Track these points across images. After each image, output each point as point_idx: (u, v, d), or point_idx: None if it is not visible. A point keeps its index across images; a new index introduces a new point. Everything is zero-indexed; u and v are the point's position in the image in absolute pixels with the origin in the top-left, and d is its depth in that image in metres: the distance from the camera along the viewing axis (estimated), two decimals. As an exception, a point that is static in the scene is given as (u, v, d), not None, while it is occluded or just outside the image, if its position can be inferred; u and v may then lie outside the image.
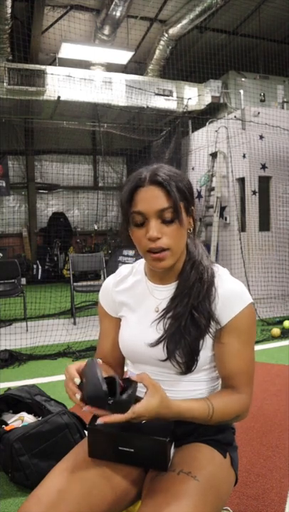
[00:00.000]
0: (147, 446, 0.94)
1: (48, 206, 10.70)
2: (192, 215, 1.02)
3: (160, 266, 0.97)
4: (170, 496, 0.88)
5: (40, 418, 1.99)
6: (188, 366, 0.98)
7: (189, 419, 0.94)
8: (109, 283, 1.15)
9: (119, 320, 1.13)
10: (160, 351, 0.99)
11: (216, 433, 1.05)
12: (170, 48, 8.10)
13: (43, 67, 7.39)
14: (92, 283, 6.07)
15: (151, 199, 0.94)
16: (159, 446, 0.92)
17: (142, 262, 1.13)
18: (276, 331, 4.22)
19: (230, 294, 1.00)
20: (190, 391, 1.04)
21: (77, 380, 0.88)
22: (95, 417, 0.96)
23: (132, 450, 0.94)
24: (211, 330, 1.00)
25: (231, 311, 0.99)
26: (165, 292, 1.05)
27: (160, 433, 0.94)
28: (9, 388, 2.25)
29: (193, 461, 0.97)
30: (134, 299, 1.10)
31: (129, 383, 0.88)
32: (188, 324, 0.98)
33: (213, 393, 1.05)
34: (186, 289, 1.00)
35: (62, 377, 3.24)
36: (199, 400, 0.97)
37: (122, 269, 1.16)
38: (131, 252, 6.39)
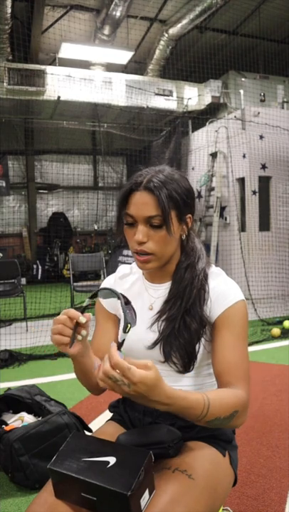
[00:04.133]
0: (109, 497, 0.83)
1: (48, 206, 10.71)
2: (186, 223, 1.03)
3: (144, 268, 1.03)
4: (163, 494, 0.87)
5: (40, 418, 1.99)
6: (185, 366, 0.99)
7: (182, 408, 0.85)
8: (110, 281, 1.17)
9: (117, 318, 1.15)
10: (158, 353, 1.01)
11: (216, 430, 1.04)
12: (170, 48, 8.10)
13: (43, 67, 7.39)
14: (92, 283, 6.07)
15: (142, 205, 0.97)
16: (119, 499, 0.81)
17: None
18: (276, 331, 4.22)
19: (221, 292, 1.01)
20: (192, 386, 1.05)
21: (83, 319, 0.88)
22: (57, 458, 0.91)
23: (95, 499, 0.85)
24: (204, 334, 1.00)
25: (222, 305, 1.00)
26: (159, 291, 1.07)
27: (123, 484, 0.82)
28: (9, 388, 2.25)
29: (189, 459, 0.96)
30: (131, 298, 1.10)
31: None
32: (181, 327, 0.99)
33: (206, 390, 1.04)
34: (179, 292, 1.02)
35: (62, 377, 3.26)
36: (193, 391, 0.94)
37: (122, 269, 1.18)
38: (131, 252, 6.39)
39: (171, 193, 0.97)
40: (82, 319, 0.88)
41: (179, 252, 1.07)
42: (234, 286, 1.03)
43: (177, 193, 0.98)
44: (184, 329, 0.98)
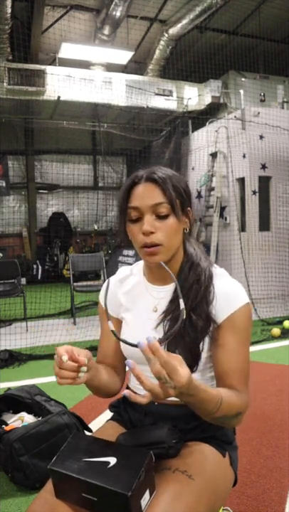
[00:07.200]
0: (109, 498, 0.83)
1: (48, 206, 10.70)
2: (188, 216, 1.04)
3: (153, 260, 0.99)
4: (163, 495, 0.87)
5: (40, 418, 1.99)
6: (189, 366, 0.98)
7: (201, 400, 0.85)
8: (110, 284, 1.16)
9: (119, 321, 1.14)
10: None
11: (216, 430, 1.05)
12: (170, 48, 8.09)
13: (43, 67, 7.39)
14: (92, 283, 6.07)
15: (147, 194, 0.97)
16: (120, 499, 0.81)
17: (140, 263, 1.14)
18: (276, 331, 4.22)
19: (228, 293, 1.01)
20: None
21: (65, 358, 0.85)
22: (57, 458, 0.91)
23: (95, 499, 0.86)
24: (209, 332, 1.00)
25: (228, 309, 0.99)
26: (163, 292, 1.06)
27: (124, 484, 0.82)
28: (9, 388, 2.25)
29: (190, 460, 0.96)
30: (133, 300, 1.10)
31: None
32: (186, 326, 0.98)
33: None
34: (184, 291, 1.01)
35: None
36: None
37: (122, 271, 1.17)
38: (131, 252, 6.39)
39: (174, 183, 0.98)
40: (84, 369, 0.86)
41: (182, 252, 1.06)
42: (240, 288, 1.03)
43: (179, 183, 1.00)
44: (190, 327, 0.97)
